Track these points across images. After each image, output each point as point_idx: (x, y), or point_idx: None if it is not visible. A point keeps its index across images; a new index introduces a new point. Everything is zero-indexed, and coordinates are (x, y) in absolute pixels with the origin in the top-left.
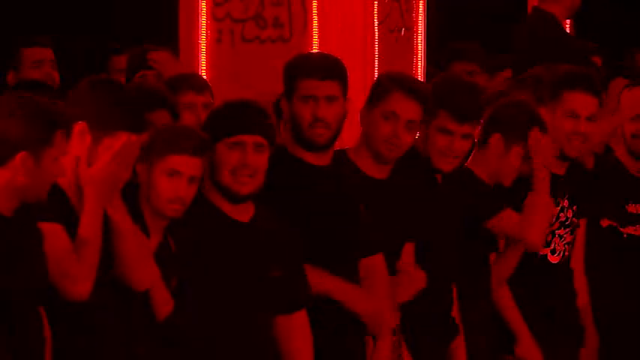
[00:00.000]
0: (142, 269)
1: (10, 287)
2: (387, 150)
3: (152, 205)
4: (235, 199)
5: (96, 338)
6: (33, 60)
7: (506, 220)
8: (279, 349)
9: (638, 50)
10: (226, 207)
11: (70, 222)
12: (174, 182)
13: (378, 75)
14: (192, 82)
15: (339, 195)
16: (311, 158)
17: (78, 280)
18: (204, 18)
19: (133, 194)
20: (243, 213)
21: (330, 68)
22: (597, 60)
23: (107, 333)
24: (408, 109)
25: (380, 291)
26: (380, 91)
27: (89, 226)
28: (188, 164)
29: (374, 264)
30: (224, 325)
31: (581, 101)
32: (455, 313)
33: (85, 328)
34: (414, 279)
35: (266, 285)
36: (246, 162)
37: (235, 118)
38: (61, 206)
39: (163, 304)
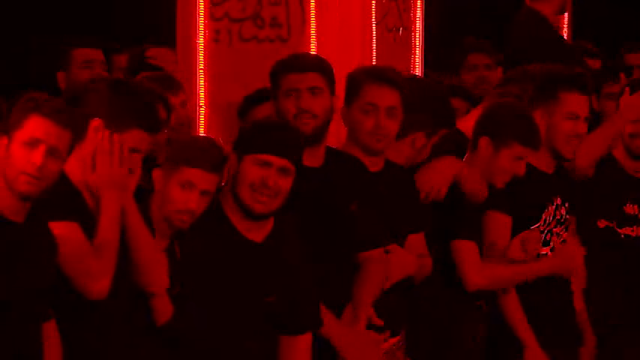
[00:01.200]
0: (157, 270)
1: (9, 290)
2: (374, 142)
3: (162, 212)
4: (250, 215)
5: (100, 339)
6: (83, 60)
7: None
8: None
9: (629, 51)
10: (241, 224)
11: (86, 220)
12: (186, 194)
13: (348, 74)
14: (167, 84)
15: (332, 195)
16: (305, 159)
17: (97, 277)
18: (202, 17)
19: (142, 199)
20: (258, 231)
21: (310, 61)
22: (596, 62)
23: (111, 334)
24: (383, 96)
25: (374, 288)
26: (353, 87)
27: (107, 227)
28: (203, 178)
29: (370, 259)
30: (223, 336)
31: (579, 102)
32: None
33: (89, 328)
34: (403, 261)
35: (262, 308)
36: (268, 182)
37: (269, 137)
38: (76, 205)
39: (162, 311)
